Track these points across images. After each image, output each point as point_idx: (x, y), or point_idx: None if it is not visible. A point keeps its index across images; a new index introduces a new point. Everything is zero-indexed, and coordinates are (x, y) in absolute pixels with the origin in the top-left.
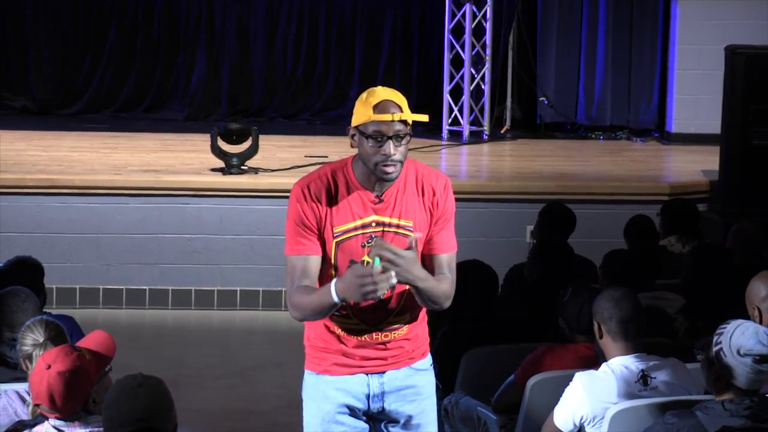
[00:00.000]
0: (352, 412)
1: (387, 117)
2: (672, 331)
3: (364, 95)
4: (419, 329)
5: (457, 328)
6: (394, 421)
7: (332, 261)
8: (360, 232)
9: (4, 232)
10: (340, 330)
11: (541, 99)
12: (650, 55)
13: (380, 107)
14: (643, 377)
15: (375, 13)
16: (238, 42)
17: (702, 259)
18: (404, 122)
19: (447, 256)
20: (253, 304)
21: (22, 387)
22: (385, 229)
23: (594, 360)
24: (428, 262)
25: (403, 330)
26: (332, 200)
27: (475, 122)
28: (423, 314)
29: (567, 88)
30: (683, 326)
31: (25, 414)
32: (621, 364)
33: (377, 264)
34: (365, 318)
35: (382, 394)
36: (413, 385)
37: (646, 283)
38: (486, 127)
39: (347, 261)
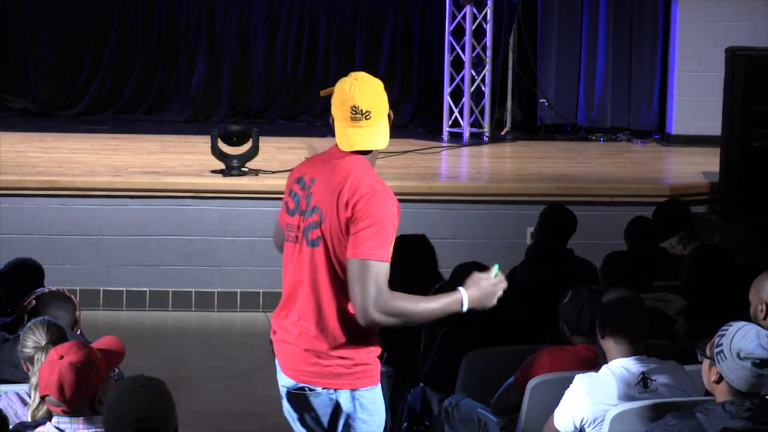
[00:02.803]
0: None
1: None
2: (672, 333)
3: (377, 86)
4: None
5: (456, 329)
6: None
7: None
8: None
9: (5, 233)
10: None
11: (541, 101)
12: (650, 57)
13: None
14: (644, 379)
15: (375, 15)
16: (238, 44)
17: (702, 261)
18: None
19: None
20: (254, 306)
21: (22, 389)
22: None
23: (594, 362)
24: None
25: None
26: None
27: (476, 124)
28: None
29: (567, 89)
30: (683, 328)
31: (25, 416)
32: (621, 366)
33: (498, 270)
34: None
35: None
36: None
37: (646, 284)
38: (486, 129)
39: None
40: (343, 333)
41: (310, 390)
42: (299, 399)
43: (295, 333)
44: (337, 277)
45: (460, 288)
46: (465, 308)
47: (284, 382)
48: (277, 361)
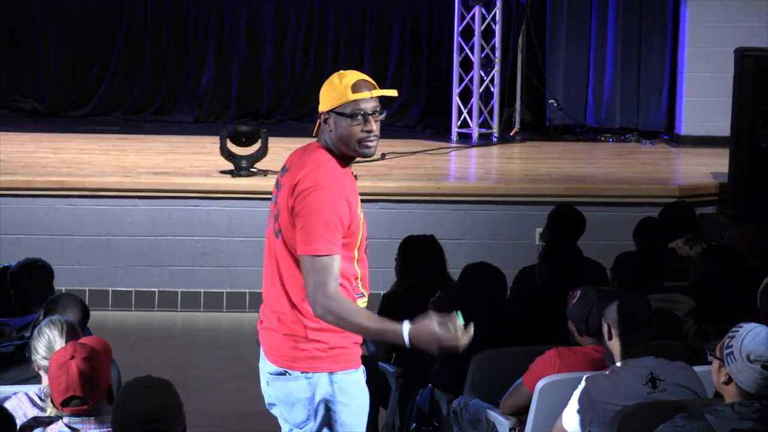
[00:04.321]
0: None
1: (366, 95)
2: (681, 334)
3: (334, 79)
4: None
5: None
6: None
7: (357, 242)
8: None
9: (14, 234)
10: None
11: (550, 101)
12: (659, 58)
13: (357, 86)
14: (652, 380)
15: (384, 16)
16: (247, 44)
17: (712, 262)
18: (377, 100)
19: None
20: None
21: (32, 389)
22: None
23: (602, 362)
24: None
25: None
26: (350, 188)
27: (484, 125)
28: None
29: (576, 90)
30: (692, 329)
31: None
32: (629, 367)
33: (461, 319)
34: (366, 292)
35: None
36: None
37: (656, 285)
38: (495, 130)
39: (365, 238)
40: (314, 318)
41: (289, 374)
42: (281, 384)
43: (275, 319)
44: (297, 265)
45: (406, 322)
46: (406, 342)
47: (268, 368)
48: (261, 349)
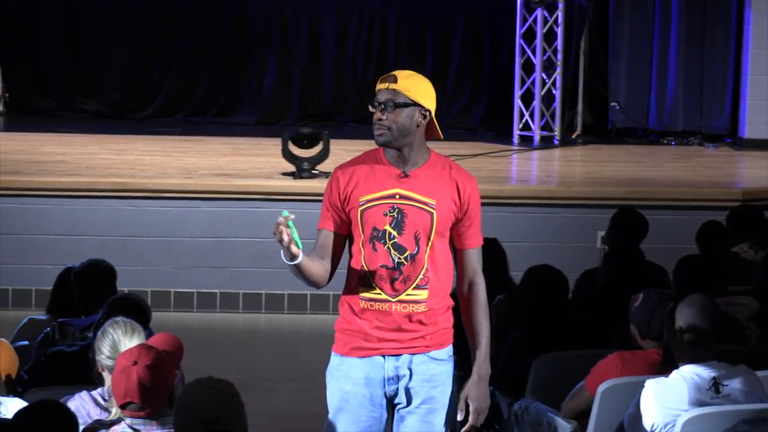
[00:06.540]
0: (372, 397)
1: (380, 86)
2: (744, 338)
3: None
4: (440, 317)
5: (527, 333)
6: (406, 405)
7: (359, 228)
8: (382, 201)
9: (78, 234)
10: (363, 304)
11: (612, 104)
12: (723, 60)
13: (381, 79)
14: (715, 385)
15: (445, 19)
16: (308, 47)
17: None
18: (397, 93)
19: (477, 249)
20: (323, 308)
21: (95, 390)
22: (408, 202)
23: (665, 367)
24: (459, 255)
25: (422, 306)
26: (360, 176)
27: (546, 127)
28: (447, 305)
29: (638, 93)
30: (755, 333)
31: (97, 416)
32: (692, 372)
33: (285, 214)
34: (385, 288)
35: (397, 377)
36: (427, 372)
37: (719, 289)
38: (557, 132)
39: (371, 228)
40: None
41: None
42: None
43: None
44: None
45: None
46: (286, 261)
47: None
48: None
